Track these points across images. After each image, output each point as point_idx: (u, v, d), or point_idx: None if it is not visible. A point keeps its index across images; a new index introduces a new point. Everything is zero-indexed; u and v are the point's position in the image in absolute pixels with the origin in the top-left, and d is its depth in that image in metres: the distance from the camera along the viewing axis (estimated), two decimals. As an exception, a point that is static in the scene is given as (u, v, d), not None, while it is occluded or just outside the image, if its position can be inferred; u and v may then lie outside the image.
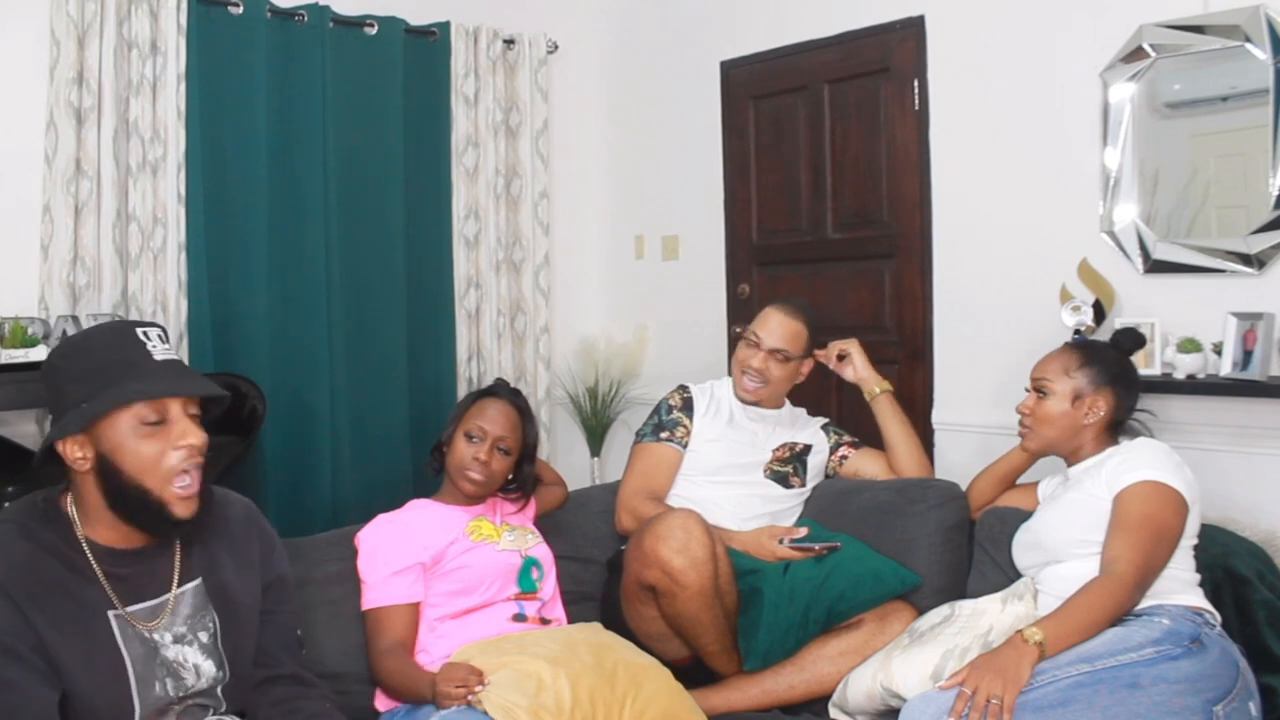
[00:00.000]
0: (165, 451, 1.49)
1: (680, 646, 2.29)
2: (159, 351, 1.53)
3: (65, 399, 1.50)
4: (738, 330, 2.78)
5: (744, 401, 2.65)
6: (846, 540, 2.36)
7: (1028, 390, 2.26)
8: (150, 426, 1.48)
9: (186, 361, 3.16)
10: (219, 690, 1.61)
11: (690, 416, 2.63)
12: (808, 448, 2.69)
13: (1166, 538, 1.97)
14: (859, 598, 2.25)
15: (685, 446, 2.61)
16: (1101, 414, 2.18)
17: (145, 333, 1.55)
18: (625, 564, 2.31)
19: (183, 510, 1.51)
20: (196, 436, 1.51)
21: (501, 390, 2.38)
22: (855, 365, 2.72)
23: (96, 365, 1.51)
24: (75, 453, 1.49)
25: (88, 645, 1.47)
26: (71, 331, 2.89)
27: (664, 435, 2.61)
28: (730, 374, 2.75)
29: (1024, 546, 2.21)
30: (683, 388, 2.71)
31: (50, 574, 1.48)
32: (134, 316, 3.14)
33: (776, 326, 2.63)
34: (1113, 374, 2.20)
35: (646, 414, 2.73)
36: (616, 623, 2.36)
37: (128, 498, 1.48)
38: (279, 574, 1.76)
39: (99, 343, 1.55)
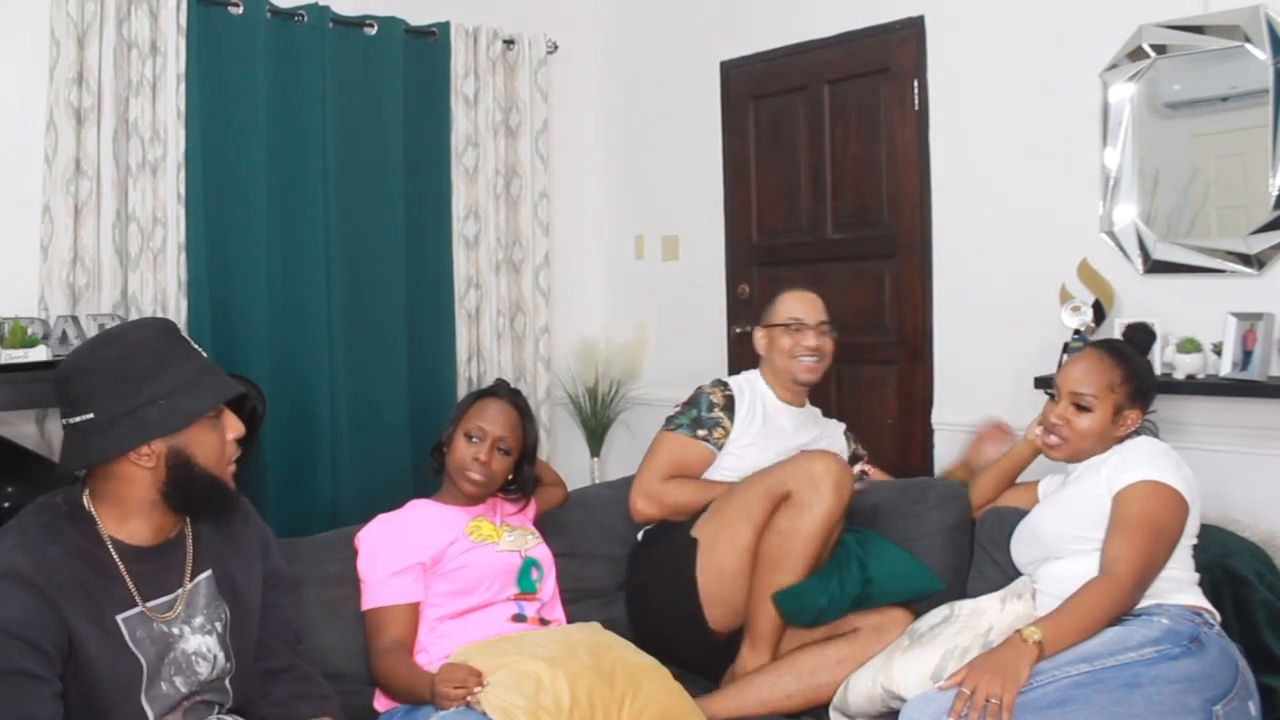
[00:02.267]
0: (223, 441, 1.63)
1: (738, 592, 2.29)
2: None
3: (123, 397, 1.51)
4: (746, 329, 2.72)
5: (803, 384, 2.61)
6: (883, 540, 2.37)
7: (1052, 396, 2.20)
8: (214, 420, 1.61)
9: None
10: (227, 682, 1.64)
11: (731, 418, 2.56)
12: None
13: (1166, 537, 1.97)
14: (889, 586, 2.28)
15: (720, 449, 2.55)
16: (1134, 427, 2.15)
17: (179, 329, 1.63)
18: (750, 481, 2.33)
19: (232, 482, 1.67)
20: (240, 424, 1.67)
21: (501, 390, 2.38)
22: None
23: (166, 362, 1.55)
24: (143, 449, 1.52)
25: (112, 642, 1.50)
26: (71, 332, 2.88)
27: (701, 433, 2.54)
28: (759, 370, 2.66)
29: (1022, 541, 2.20)
30: (722, 384, 2.62)
31: (78, 574, 1.50)
32: (133, 316, 3.14)
33: (811, 303, 2.62)
34: (1147, 386, 2.16)
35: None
36: (641, 592, 2.44)
37: (198, 485, 1.58)
38: (276, 567, 1.80)
39: (154, 339, 1.57)
